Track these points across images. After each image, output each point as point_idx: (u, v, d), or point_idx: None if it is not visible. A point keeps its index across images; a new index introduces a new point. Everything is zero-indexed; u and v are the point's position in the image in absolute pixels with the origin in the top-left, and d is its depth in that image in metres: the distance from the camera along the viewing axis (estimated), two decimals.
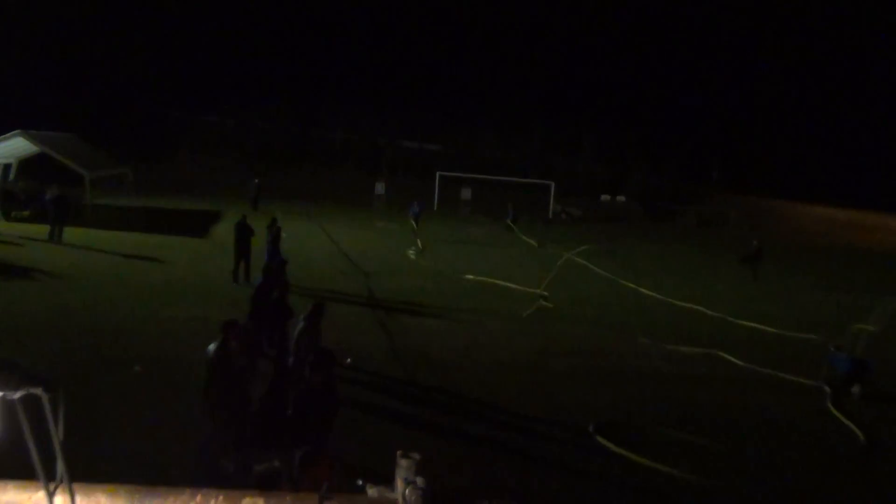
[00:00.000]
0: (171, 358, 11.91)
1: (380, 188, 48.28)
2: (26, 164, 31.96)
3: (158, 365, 11.62)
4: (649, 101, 79.22)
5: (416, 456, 7.44)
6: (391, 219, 38.84)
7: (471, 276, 22.56)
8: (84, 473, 3.97)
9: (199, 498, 3.68)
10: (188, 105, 72.40)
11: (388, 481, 4.18)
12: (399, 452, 7.51)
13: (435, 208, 49.33)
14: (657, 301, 21.24)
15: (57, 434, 4.93)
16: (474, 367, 13.05)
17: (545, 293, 20.62)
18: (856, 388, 13.06)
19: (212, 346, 8.02)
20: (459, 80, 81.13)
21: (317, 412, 7.11)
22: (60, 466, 4.97)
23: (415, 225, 33.94)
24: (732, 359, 14.89)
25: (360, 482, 5.92)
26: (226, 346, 7.98)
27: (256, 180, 38.88)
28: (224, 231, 26.93)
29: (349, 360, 12.43)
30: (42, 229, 23.77)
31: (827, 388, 13.09)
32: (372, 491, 4.16)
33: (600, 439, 10.05)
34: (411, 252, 26.68)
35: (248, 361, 8.43)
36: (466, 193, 49.54)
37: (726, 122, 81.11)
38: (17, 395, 3.56)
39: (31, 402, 4.99)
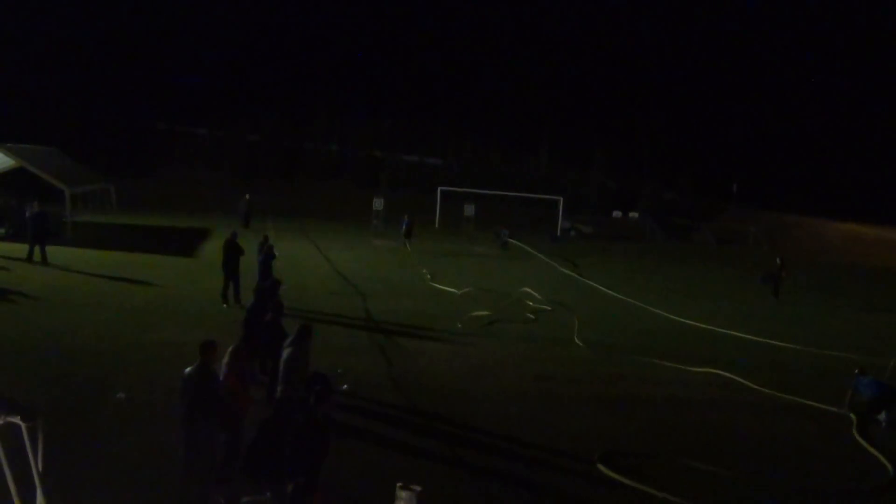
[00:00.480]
0: (157, 384, 11.93)
1: (378, 204, 48.34)
2: (3, 179, 32.16)
3: (143, 392, 11.66)
4: (664, 112, 79.44)
5: (416, 488, 7.49)
6: (389, 236, 38.97)
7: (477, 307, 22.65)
8: None
9: None
10: (175, 116, 72.79)
11: None
12: (398, 484, 7.57)
13: (436, 225, 49.47)
14: (670, 321, 21.27)
15: (36, 465, 4.99)
16: (477, 393, 13.07)
17: (545, 308, 20.71)
18: (882, 415, 13.05)
19: (188, 370, 8.05)
20: (462, 91, 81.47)
21: (315, 443, 7.15)
22: (40, 498, 5.04)
23: (406, 241, 34.60)
24: (750, 384, 14.88)
25: None
26: (205, 368, 8.01)
27: (247, 196, 39.10)
28: (213, 250, 27.03)
29: (345, 385, 12.47)
30: (21, 248, 23.80)
31: (852, 415, 13.08)
32: None
33: (603, 469, 10.06)
34: (426, 273, 26.71)
35: (239, 387, 8.47)
36: (470, 210, 49.61)
37: (746, 132, 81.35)
38: None
39: (8, 432, 5.05)
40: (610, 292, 25.68)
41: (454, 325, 18.50)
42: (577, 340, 17.65)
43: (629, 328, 20.06)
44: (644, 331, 19.83)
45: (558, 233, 49.71)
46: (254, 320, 12.20)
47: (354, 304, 20.31)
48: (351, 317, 18.68)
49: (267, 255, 19.22)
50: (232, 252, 18.91)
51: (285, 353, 9.61)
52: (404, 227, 35.91)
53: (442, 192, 52.49)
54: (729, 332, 20.36)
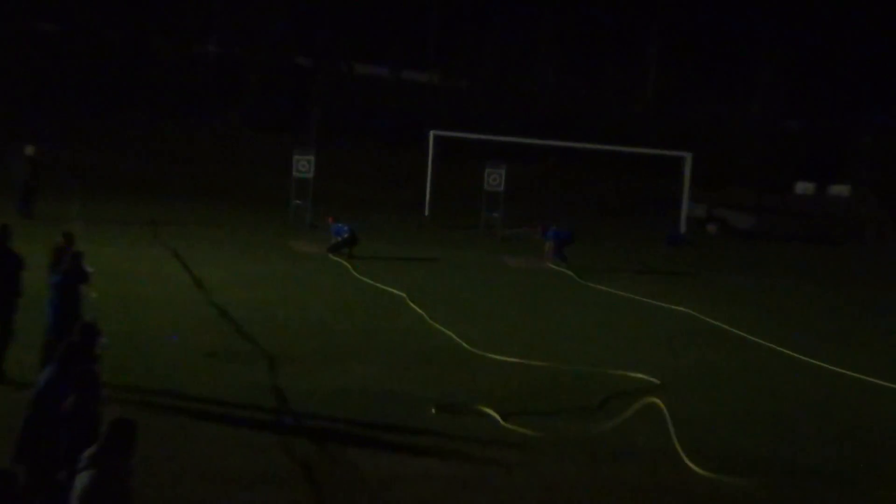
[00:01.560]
0: None
1: (303, 166, 48.16)
2: None
3: None
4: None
5: None
6: (324, 234, 38.77)
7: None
8: None
9: None
10: None
11: None
12: None
13: (426, 212, 49.43)
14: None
15: None
16: None
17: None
18: None
19: None
20: None
21: None
22: None
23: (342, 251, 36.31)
24: None
25: None
26: None
27: (31, 149, 39.01)
28: None
29: None
30: None
31: None
32: None
33: None
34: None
35: None
36: (495, 178, 48.90)
37: None
38: None
39: None
40: (786, 351, 25.66)
41: (464, 419, 18.41)
42: (685, 459, 17.43)
43: (832, 426, 20.08)
44: (865, 434, 19.78)
45: (682, 227, 49.79)
46: (44, 409, 12.02)
47: (254, 378, 20.23)
48: (243, 403, 18.60)
49: (69, 275, 19.03)
50: (2, 267, 18.74)
51: (79, 483, 9.37)
52: (345, 234, 36.81)
53: (436, 138, 52.35)
54: None
